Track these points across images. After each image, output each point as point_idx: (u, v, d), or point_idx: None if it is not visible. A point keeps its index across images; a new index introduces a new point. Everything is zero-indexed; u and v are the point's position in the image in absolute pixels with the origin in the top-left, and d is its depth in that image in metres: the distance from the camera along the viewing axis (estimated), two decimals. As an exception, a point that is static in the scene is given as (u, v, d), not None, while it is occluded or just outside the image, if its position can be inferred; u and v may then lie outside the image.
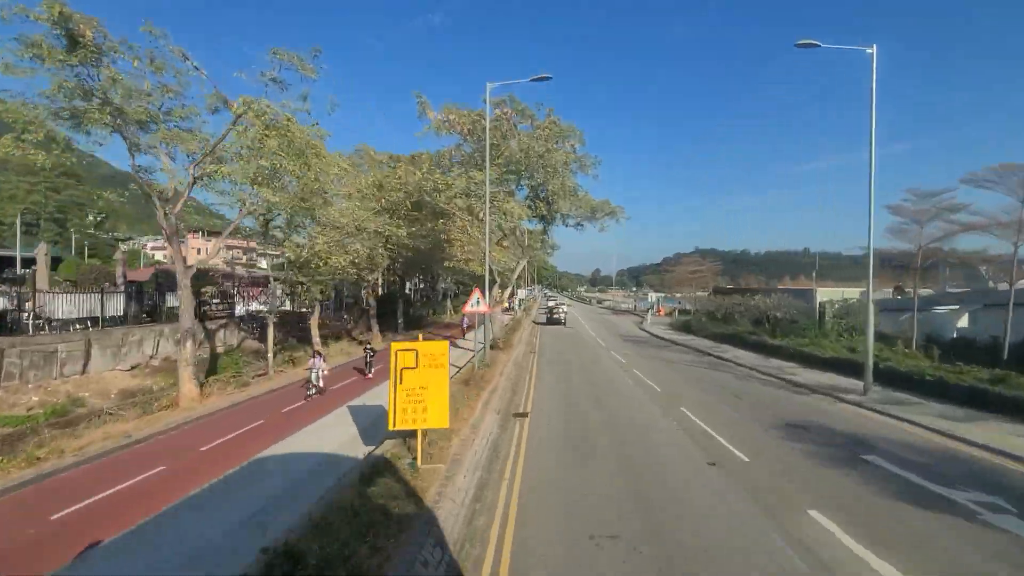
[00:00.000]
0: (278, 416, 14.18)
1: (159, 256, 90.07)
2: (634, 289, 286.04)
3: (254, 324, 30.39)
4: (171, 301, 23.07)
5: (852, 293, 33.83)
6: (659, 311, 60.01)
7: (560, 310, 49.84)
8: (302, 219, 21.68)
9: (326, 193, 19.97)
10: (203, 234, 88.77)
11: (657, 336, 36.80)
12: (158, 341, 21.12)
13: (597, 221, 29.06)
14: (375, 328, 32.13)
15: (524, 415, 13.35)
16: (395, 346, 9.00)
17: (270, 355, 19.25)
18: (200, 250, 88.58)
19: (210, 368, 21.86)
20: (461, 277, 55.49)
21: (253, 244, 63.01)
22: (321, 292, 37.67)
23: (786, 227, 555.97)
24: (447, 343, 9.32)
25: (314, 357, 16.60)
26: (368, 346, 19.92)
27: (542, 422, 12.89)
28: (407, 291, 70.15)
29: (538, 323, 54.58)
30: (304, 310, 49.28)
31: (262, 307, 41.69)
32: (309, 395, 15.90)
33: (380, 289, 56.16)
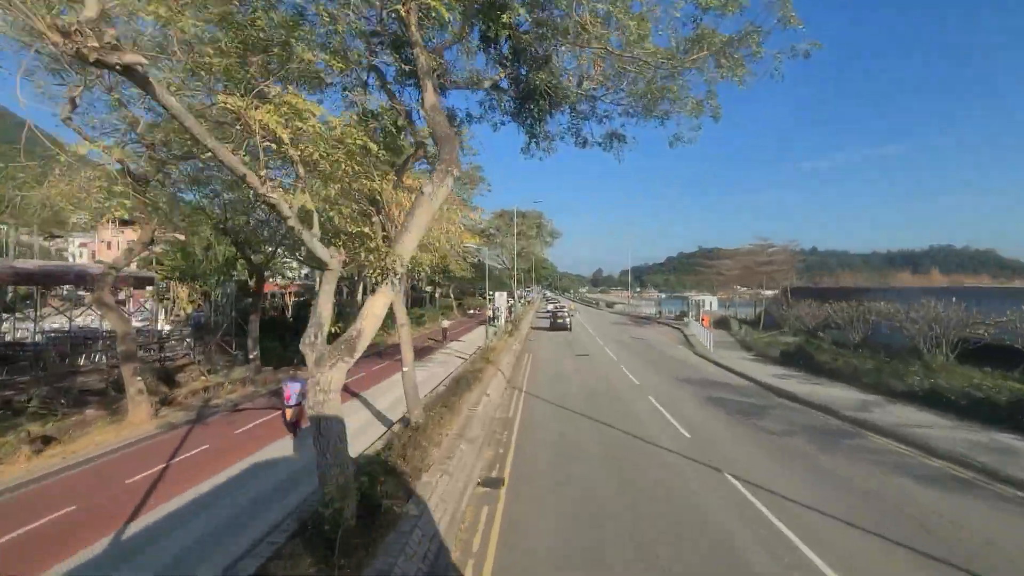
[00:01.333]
0: None
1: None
2: (638, 289, 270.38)
3: None
4: None
5: None
6: (703, 321, 41.67)
7: (562, 313, 42.11)
8: None
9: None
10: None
11: (764, 384, 18.13)
12: None
13: (673, 111, 10.35)
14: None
15: None
16: None
17: None
18: (111, 244, 69.75)
19: None
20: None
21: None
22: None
23: (788, 226, 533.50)
24: None
25: None
26: None
27: None
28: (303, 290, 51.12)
29: (538, 328, 42.58)
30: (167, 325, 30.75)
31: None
32: None
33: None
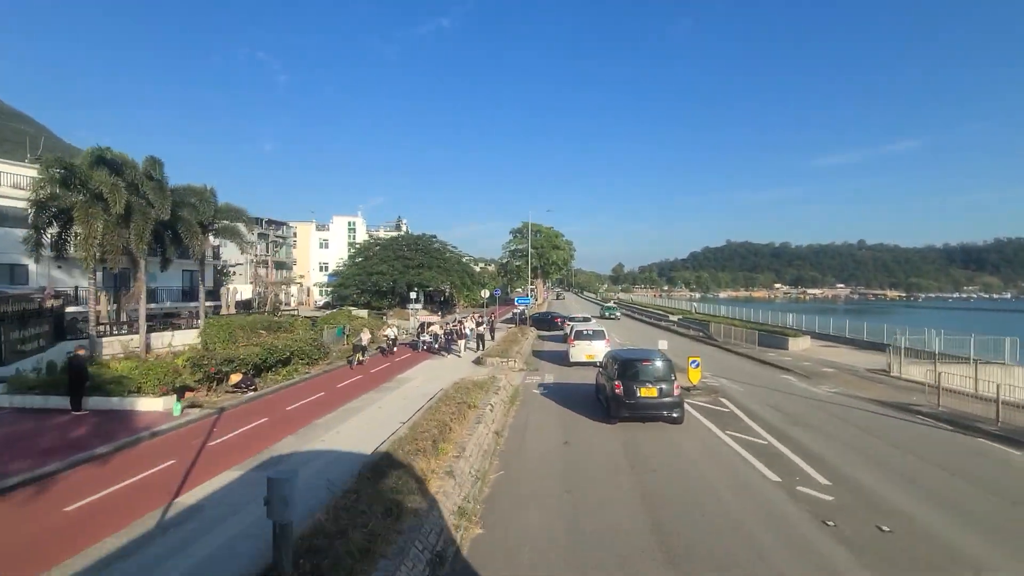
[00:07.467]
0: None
1: None
2: (665, 288, 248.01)
3: None
4: None
5: None
6: None
7: (665, 385, 11.88)
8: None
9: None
10: None
11: None
12: None
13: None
14: None
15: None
16: None
17: None
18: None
19: None
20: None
21: None
22: None
23: (828, 218, 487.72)
24: None
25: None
26: None
27: None
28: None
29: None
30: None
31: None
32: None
33: None
